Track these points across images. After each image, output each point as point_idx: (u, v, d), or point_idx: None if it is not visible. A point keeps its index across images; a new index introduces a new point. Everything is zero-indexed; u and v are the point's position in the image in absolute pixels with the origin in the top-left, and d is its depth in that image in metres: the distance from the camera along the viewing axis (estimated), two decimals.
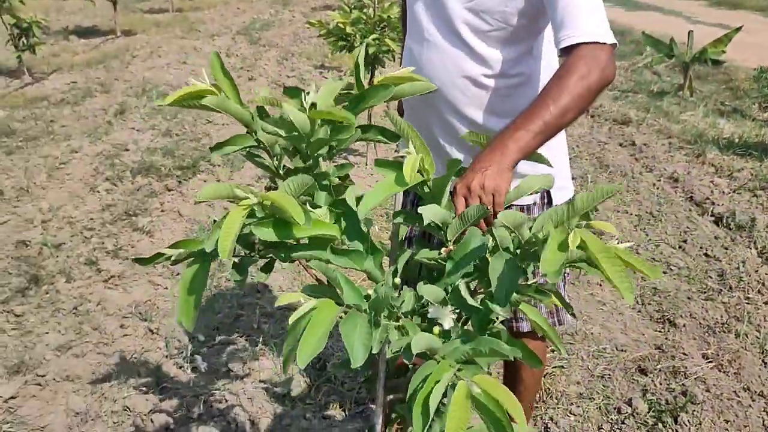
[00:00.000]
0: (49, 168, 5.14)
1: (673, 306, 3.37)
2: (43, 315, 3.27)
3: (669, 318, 3.28)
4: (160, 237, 4.03)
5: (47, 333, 3.11)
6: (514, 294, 1.16)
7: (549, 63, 1.79)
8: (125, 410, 2.63)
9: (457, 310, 1.11)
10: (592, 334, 3.17)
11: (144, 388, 2.75)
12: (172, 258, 1.19)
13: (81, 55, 9.54)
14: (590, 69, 1.44)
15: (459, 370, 0.96)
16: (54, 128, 6.16)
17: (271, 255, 1.25)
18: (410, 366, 1.25)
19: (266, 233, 1.05)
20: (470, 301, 1.07)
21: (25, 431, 2.53)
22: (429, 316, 1.10)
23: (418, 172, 1.15)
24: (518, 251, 1.07)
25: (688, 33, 7.25)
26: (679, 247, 4.02)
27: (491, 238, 1.11)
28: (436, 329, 1.08)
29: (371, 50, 4.77)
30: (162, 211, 4.42)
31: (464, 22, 1.69)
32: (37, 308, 3.33)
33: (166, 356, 2.97)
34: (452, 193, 1.34)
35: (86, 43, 10.45)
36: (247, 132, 1.33)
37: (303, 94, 1.21)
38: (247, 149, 1.33)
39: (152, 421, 2.57)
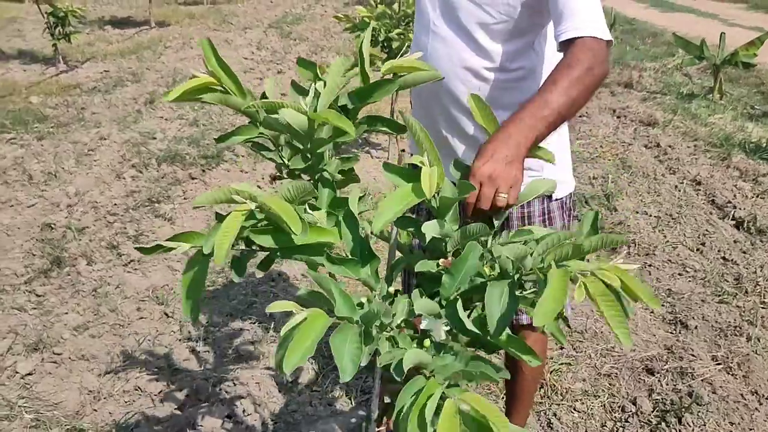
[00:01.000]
0: (78, 154, 5.24)
1: (686, 308, 3.36)
2: (63, 296, 3.36)
3: (681, 320, 3.27)
4: (180, 224, 4.11)
5: (66, 313, 3.20)
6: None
7: (550, 59, 1.81)
8: (136, 390, 2.71)
9: (465, 337, 1.12)
10: (601, 332, 3.17)
11: (156, 370, 2.82)
12: (172, 251, 1.21)
13: (115, 44, 9.70)
14: (594, 63, 1.44)
15: (447, 387, 0.98)
16: (85, 115, 6.28)
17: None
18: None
19: (265, 240, 1.08)
20: (469, 325, 1.07)
21: (40, 407, 2.61)
22: (422, 327, 1.11)
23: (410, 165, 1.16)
24: (516, 276, 1.08)
25: (720, 35, 7.17)
26: (697, 249, 3.99)
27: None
28: (427, 341, 1.10)
29: (395, 45, 4.80)
30: (184, 198, 4.50)
31: (469, 14, 1.71)
32: (58, 289, 3.43)
33: (179, 340, 3.03)
34: (468, 175, 1.31)
35: (121, 33, 10.62)
36: (250, 122, 1.34)
37: (314, 78, 1.22)
38: (252, 141, 1.34)
39: (162, 402, 2.63)
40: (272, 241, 1.10)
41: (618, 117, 6.59)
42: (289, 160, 1.30)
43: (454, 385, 1.01)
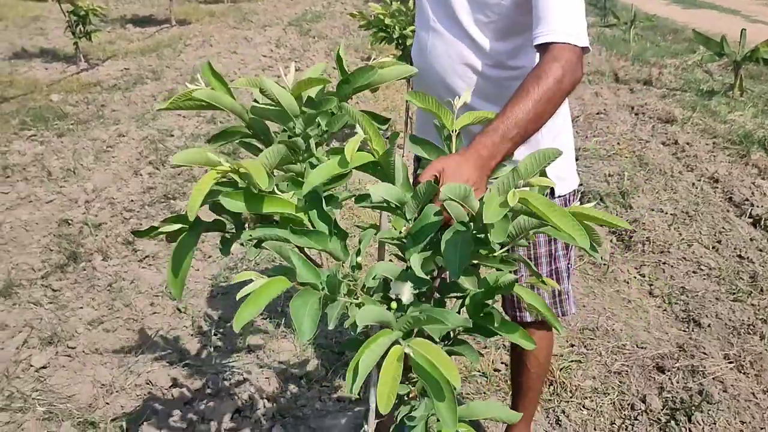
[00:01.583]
0: (97, 150, 5.31)
1: (699, 306, 3.33)
2: (78, 290, 3.41)
3: (694, 318, 3.25)
4: None
5: (81, 308, 3.24)
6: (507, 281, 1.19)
7: None
8: (148, 384, 2.74)
9: (417, 288, 1.14)
10: (613, 330, 3.16)
11: (167, 364, 2.85)
12: (162, 230, 1.25)
13: (136, 43, 9.79)
14: (564, 73, 1.44)
15: (404, 338, 1.00)
16: (104, 113, 6.35)
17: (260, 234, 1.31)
18: None
19: (234, 204, 1.10)
20: (419, 273, 1.10)
21: (53, 399, 2.65)
22: (390, 293, 1.13)
23: (368, 152, 1.18)
24: (471, 223, 1.10)
25: (741, 31, 7.08)
26: (713, 247, 3.96)
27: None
28: (393, 304, 1.11)
29: (409, 42, 4.80)
30: None
31: (465, 12, 1.71)
32: (73, 284, 3.47)
33: (191, 334, 3.06)
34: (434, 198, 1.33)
35: (141, 31, 10.72)
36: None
37: (283, 73, 1.27)
38: (242, 139, 1.40)
39: (172, 396, 2.66)
40: (242, 205, 1.13)
41: (636, 114, 6.54)
42: None
43: (417, 334, 1.02)
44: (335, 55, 1.42)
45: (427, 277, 1.12)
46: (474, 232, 1.10)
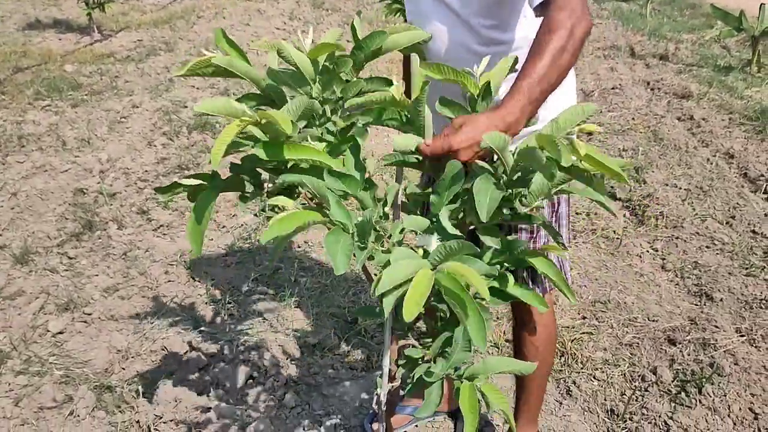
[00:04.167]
0: (111, 121, 5.32)
1: (712, 280, 3.33)
2: (94, 258, 3.44)
3: (706, 292, 3.24)
4: None
5: (97, 275, 3.28)
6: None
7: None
8: (163, 350, 2.77)
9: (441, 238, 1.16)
10: (625, 303, 3.16)
11: (182, 330, 2.88)
12: (186, 185, 1.28)
13: (149, 14, 9.76)
14: (574, 21, 1.40)
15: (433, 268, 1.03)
16: (118, 84, 6.35)
17: (278, 194, 1.33)
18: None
19: (273, 153, 1.11)
20: (450, 229, 1.12)
21: (70, 364, 2.69)
22: (416, 244, 1.15)
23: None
24: (504, 176, 1.12)
25: (760, 6, 6.99)
26: (727, 222, 3.94)
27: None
28: (420, 251, 1.14)
29: None
30: None
31: None
32: (89, 252, 3.51)
33: (206, 303, 3.09)
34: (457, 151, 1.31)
35: (155, 3, 10.67)
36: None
37: (301, 36, 1.28)
38: (257, 107, 1.41)
39: (187, 362, 2.70)
40: (281, 154, 1.14)
41: (652, 89, 6.48)
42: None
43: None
44: (350, 27, 1.42)
45: (460, 233, 1.15)
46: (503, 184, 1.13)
